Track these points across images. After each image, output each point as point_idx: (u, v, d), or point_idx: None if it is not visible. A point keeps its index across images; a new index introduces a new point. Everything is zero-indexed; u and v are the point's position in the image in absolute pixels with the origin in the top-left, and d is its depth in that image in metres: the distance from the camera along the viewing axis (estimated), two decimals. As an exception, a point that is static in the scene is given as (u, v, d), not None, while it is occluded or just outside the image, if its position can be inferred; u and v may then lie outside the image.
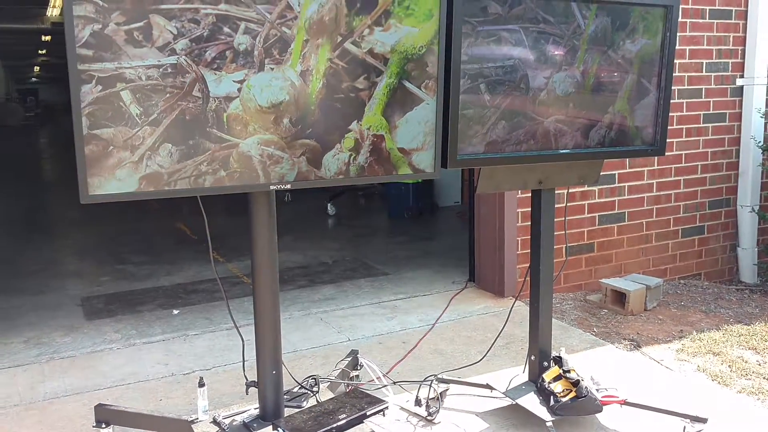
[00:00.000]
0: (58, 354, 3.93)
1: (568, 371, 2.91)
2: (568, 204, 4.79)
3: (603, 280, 4.72)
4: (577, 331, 4.18)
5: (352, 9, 2.26)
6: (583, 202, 4.91)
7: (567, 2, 2.67)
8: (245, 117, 2.20)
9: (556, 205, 3.22)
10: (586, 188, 4.87)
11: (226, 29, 2.12)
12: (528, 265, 3.11)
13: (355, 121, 2.30)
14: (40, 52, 30.39)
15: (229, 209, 6.39)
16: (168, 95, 2.09)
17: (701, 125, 5.26)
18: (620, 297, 4.55)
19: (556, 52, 2.68)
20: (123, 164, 2.08)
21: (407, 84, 2.39)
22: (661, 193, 5.21)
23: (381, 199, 9.06)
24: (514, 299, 3.99)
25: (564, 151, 2.74)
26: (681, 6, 4.87)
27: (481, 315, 4.47)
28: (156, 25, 2.05)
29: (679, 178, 5.26)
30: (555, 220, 3.02)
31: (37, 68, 39.02)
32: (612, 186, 5.00)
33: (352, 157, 2.32)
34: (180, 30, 2.08)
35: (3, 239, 7.71)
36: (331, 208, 8.26)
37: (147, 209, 8.56)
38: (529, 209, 4.77)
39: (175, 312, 4.64)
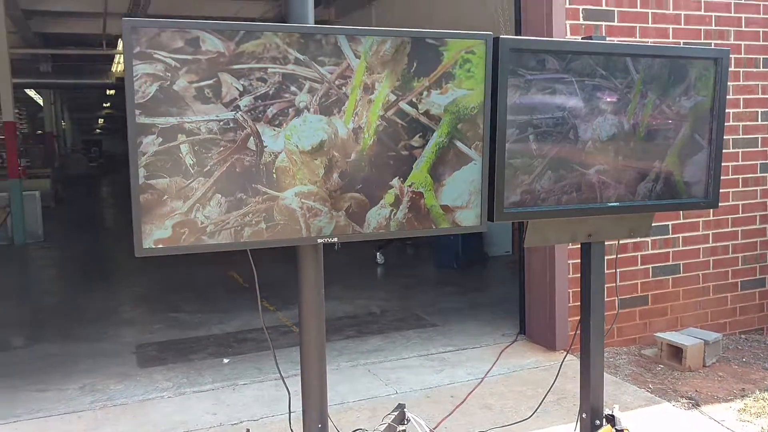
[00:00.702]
0: (112, 401, 4.01)
1: (622, 431, 2.81)
2: (620, 255, 4.70)
3: (658, 334, 4.59)
4: (632, 387, 4.05)
5: (412, 68, 2.32)
6: (636, 254, 4.81)
7: (621, 57, 2.68)
8: (292, 168, 2.26)
9: (607, 257, 3.14)
10: (638, 239, 4.77)
11: (292, 88, 2.21)
12: (577, 318, 3.06)
13: (396, 177, 2.34)
14: (104, 105, 31.90)
15: (279, 256, 6.48)
16: (222, 148, 2.17)
17: (758, 175, 5.13)
18: (677, 352, 4.40)
19: (608, 100, 2.68)
20: (173, 214, 2.14)
21: (457, 143, 2.42)
22: (718, 244, 5.07)
23: (430, 249, 9.05)
24: (566, 353, 3.89)
25: (613, 204, 2.71)
26: (733, 55, 4.82)
27: (531, 369, 4.38)
28: (224, 82, 2.14)
29: (736, 228, 5.11)
30: (606, 271, 2.97)
31: (101, 120, 40.83)
32: (666, 237, 4.89)
33: (393, 212, 2.35)
34: (246, 87, 2.17)
35: (68, 287, 7.98)
36: (380, 257, 8.29)
37: (199, 258, 8.75)
38: (580, 261, 4.73)
39: (225, 361, 4.70)
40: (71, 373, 4.54)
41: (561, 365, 3.58)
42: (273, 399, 3.96)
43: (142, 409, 3.88)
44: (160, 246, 2.14)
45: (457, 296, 6.57)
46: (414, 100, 2.35)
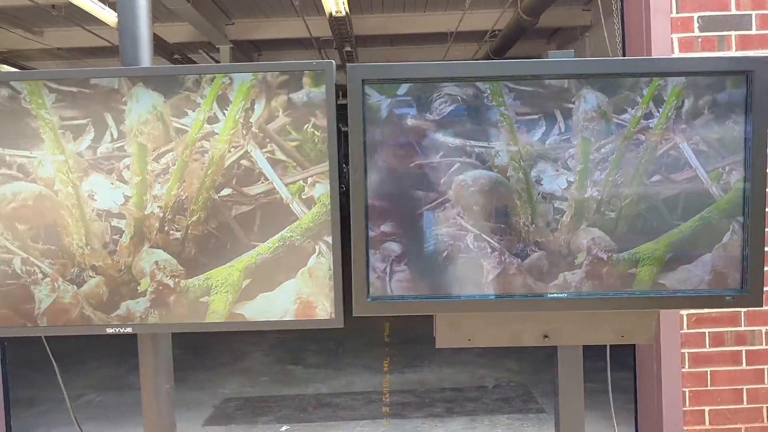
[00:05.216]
0: (142, 461, 3.89)
1: None
2: None
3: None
4: None
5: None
6: (793, 347, 3.46)
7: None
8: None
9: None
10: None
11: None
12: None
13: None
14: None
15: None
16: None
17: None
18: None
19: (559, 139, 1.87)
20: None
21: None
22: None
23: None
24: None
25: (556, 295, 1.85)
26: None
27: (615, 491, 3.32)
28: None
29: None
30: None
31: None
32: None
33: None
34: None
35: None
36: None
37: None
38: (701, 349, 3.54)
39: (283, 429, 4.36)
40: (139, 424, 4.56)
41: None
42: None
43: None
44: None
45: (599, 374, 5.42)
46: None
